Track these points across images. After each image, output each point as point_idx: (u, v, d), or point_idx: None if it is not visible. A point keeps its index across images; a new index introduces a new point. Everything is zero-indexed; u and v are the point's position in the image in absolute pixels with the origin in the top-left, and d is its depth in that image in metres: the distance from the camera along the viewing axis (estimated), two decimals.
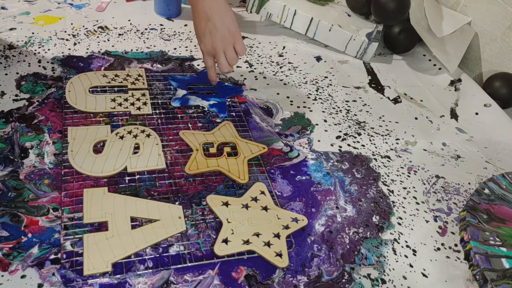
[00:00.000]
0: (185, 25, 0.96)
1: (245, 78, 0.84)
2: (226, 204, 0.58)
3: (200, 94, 0.77)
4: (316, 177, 0.66)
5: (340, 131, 0.76)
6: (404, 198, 0.65)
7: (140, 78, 0.77)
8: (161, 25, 0.95)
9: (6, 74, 0.73)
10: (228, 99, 0.77)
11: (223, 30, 0.69)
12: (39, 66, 0.77)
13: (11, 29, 0.85)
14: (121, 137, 0.65)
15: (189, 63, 0.84)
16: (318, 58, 0.94)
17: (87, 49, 0.84)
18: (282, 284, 0.51)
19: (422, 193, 0.67)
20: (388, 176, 0.68)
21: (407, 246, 0.58)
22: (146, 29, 0.93)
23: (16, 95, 0.70)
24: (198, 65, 0.84)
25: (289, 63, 0.91)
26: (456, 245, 0.60)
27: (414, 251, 0.58)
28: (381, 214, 0.62)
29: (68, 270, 0.48)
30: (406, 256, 0.57)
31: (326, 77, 0.89)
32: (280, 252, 0.54)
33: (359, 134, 0.76)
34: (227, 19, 0.70)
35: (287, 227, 0.57)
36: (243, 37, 0.96)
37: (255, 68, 0.87)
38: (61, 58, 0.80)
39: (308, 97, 0.82)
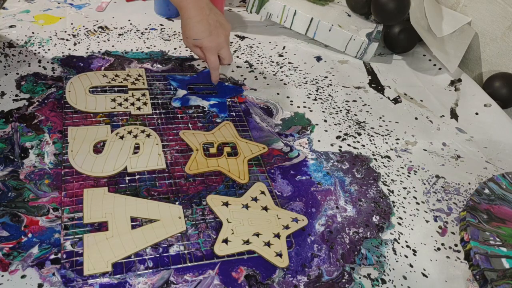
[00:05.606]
0: None
1: (245, 78, 0.84)
2: (226, 204, 0.58)
3: (200, 94, 0.77)
4: (316, 177, 0.66)
5: (340, 131, 0.76)
6: (404, 198, 0.65)
7: (140, 78, 0.77)
8: (161, 25, 0.95)
9: (6, 74, 0.73)
10: (228, 99, 0.77)
11: (224, 22, 0.71)
12: (39, 66, 0.77)
13: (10, 26, 0.86)
14: (121, 137, 0.65)
15: (189, 63, 0.84)
16: (318, 58, 0.94)
17: (87, 49, 0.84)
18: (282, 284, 0.51)
19: (422, 193, 0.67)
20: (388, 176, 0.68)
21: (407, 246, 0.58)
22: (146, 29, 0.93)
23: (16, 95, 0.70)
24: (198, 65, 0.84)
25: (289, 63, 0.91)
26: (456, 245, 0.60)
27: (414, 251, 0.58)
28: (381, 214, 0.62)
29: (68, 270, 0.48)
30: (406, 256, 0.57)
31: (326, 77, 0.89)
32: (280, 252, 0.54)
33: (359, 134, 0.76)
34: (218, 10, 0.71)
35: (287, 227, 0.57)
36: (243, 37, 0.96)
37: (255, 68, 0.87)
38: (61, 58, 0.80)
39: (308, 97, 0.82)
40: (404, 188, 0.67)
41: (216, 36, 0.69)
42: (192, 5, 0.68)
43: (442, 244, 0.60)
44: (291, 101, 0.80)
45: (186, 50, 0.88)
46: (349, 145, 0.73)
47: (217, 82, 0.77)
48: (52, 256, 0.49)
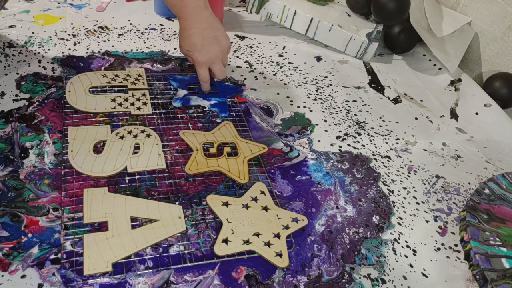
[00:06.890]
0: None
1: (245, 78, 0.84)
2: (226, 204, 0.58)
3: (201, 94, 0.77)
4: (316, 177, 0.66)
5: (340, 131, 0.76)
6: (404, 198, 0.65)
7: (140, 78, 0.77)
8: (161, 25, 0.95)
9: (6, 74, 0.74)
10: (228, 99, 0.77)
11: (222, 39, 0.71)
12: (39, 66, 0.77)
13: (10, 26, 0.86)
14: (121, 137, 0.65)
15: (189, 63, 0.84)
16: (318, 58, 0.94)
17: (87, 49, 0.84)
18: (282, 284, 0.51)
19: (422, 193, 0.67)
20: (388, 176, 0.68)
21: (407, 246, 0.58)
22: (146, 29, 0.93)
23: (16, 95, 0.70)
24: None
25: (289, 63, 0.91)
26: (456, 245, 0.60)
27: (414, 251, 0.58)
28: (381, 214, 0.62)
29: (68, 270, 0.48)
30: (406, 256, 0.57)
31: (326, 77, 0.89)
32: (280, 252, 0.54)
33: (359, 134, 0.76)
34: (219, 26, 0.71)
35: (287, 227, 0.57)
36: (243, 37, 0.96)
37: (255, 68, 0.87)
38: (61, 58, 0.80)
39: (308, 97, 0.82)
40: (404, 188, 0.67)
41: (207, 52, 0.70)
42: (190, 16, 0.68)
43: (442, 244, 0.60)
44: (291, 101, 0.80)
45: None
46: (349, 145, 0.73)
47: (208, 92, 0.77)
48: (52, 256, 0.49)
